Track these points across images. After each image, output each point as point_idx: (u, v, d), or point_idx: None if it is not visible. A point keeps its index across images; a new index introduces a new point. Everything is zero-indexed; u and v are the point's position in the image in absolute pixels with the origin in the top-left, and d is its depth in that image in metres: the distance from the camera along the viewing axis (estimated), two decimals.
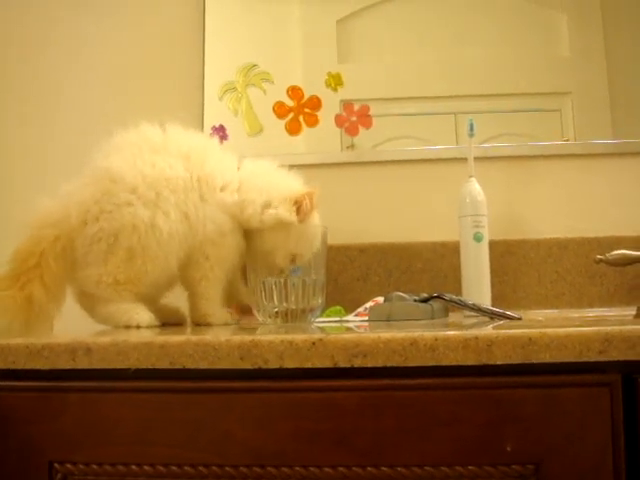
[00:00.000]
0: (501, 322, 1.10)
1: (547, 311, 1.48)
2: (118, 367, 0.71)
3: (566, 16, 1.51)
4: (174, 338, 0.71)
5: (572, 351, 0.67)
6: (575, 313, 1.42)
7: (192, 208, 1.13)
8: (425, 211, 1.57)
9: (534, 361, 0.67)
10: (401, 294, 1.21)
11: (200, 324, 1.17)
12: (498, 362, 0.67)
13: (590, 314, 1.40)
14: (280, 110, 1.62)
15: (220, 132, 1.62)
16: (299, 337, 0.68)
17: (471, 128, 1.43)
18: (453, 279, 1.48)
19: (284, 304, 1.19)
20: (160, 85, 1.67)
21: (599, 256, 1.41)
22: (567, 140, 1.49)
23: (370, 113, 1.60)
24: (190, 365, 0.69)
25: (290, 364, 0.68)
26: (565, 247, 1.52)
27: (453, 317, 1.27)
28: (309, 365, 0.68)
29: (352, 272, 1.53)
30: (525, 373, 0.69)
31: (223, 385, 0.72)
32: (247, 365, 0.68)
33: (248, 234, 1.19)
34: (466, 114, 1.44)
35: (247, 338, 0.69)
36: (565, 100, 1.50)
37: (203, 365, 0.69)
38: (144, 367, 0.71)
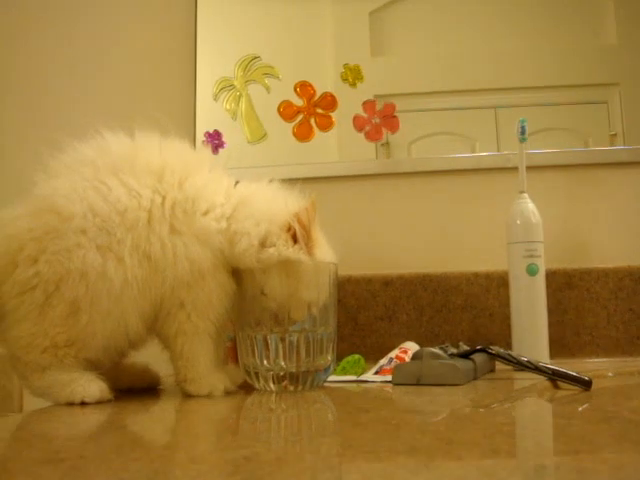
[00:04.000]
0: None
1: (619, 359, 1.22)
2: None
3: (612, 3, 1.38)
4: None
5: None
6: None
7: (157, 245, 0.87)
8: (465, 234, 1.33)
9: None
10: (434, 350, 0.97)
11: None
12: None
13: None
14: (287, 111, 1.38)
15: (215, 139, 1.38)
16: None
17: (522, 131, 1.17)
18: (500, 318, 1.26)
19: (282, 365, 0.93)
20: (140, 80, 1.42)
21: None
22: (615, 134, 1.34)
23: (396, 113, 1.33)
24: None
25: None
26: None
27: (500, 372, 1.07)
28: None
29: (375, 310, 1.29)
30: None
31: None
32: None
33: (237, 274, 0.94)
34: (507, 108, 1.34)
35: None
36: (612, 92, 1.37)
37: None
38: None
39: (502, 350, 1.02)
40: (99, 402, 0.84)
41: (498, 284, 1.26)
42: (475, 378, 0.98)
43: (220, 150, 1.36)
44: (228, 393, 0.91)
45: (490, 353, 1.03)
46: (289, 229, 0.92)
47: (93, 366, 0.88)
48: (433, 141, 1.39)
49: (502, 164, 1.31)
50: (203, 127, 1.37)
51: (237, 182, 0.98)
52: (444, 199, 1.33)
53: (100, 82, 1.41)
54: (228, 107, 1.38)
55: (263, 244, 0.91)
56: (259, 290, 0.92)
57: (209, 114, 1.38)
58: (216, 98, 1.39)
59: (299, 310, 0.93)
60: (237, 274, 0.93)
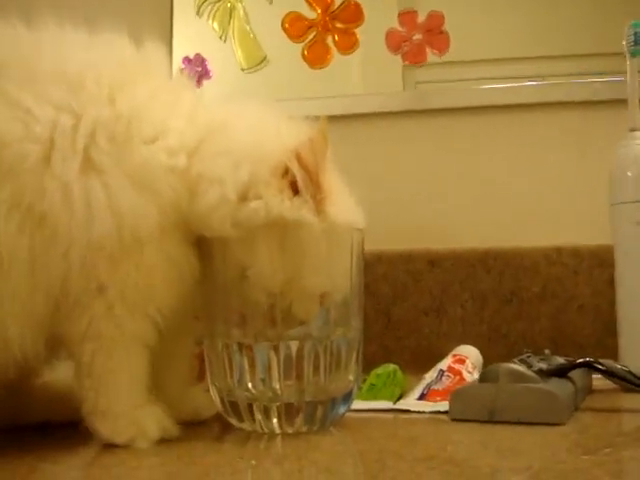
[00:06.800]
0: None
1: None
2: None
3: None
4: None
5: None
6: None
7: (56, 196, 0.57)
8: (544, 192, 1.09)
9: None
10: (515, 366, 0.68)
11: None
12: None
13: None
14: (295, 27, 1.12)
15: (197, 66, 1.13)
16: None
17: (636, 40, 0.90)
18: (595, 312, 1.00)
19: (276, 391, 0.62)
20: None
21: None
22: None
23: (445, 28, 1.08)
24: None
25: None
26: None
27: (602, 393, 0.79)
28: None
29: (417, 299, 1.06)
30: None
31: None
32: None
33: (202, 245, 0.64)
34: (554, 76, 1.19)
35: None
36: None
37: None
38: None
39: (619, 366, 0.75)
40: None
41: (591, 264, 1.02)
42: (576, 408, 0.69)
43: (205, 81, 1.11)
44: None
45: (599, 369, 0.74)
46: (285, 173, 0.62)
47: None
48: None
49: (590, 96, 1.08)
50: (182, 51, 1.14)
51: None
52: (513, 143, 1.11)
53: None
54: (215, 25, 1.16)
55: (244, 197, 0.62)
56: (238, 271, 0.62)
57: (190, 34, 1.18)
58: (200, 13, 1.16)
59: (304, 304, 0.63)
60: (204, 245, 0.64)
